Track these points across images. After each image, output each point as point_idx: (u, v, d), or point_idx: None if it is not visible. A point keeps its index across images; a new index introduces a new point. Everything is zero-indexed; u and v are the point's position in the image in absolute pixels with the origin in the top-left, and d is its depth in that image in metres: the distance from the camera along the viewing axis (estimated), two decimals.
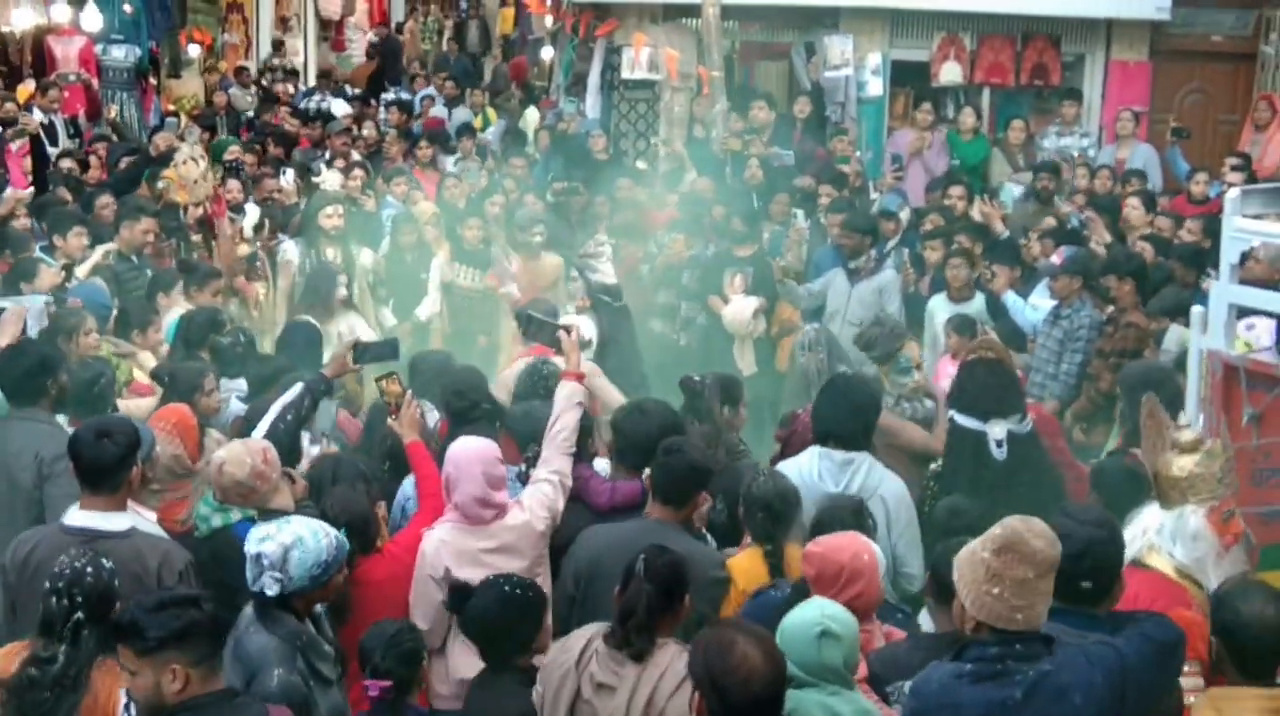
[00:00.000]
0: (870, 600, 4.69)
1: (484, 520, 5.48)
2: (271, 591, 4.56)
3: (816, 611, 4.16)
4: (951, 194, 11.54)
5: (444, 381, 6.57)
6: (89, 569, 4.41)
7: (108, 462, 4.97)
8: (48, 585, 4.42)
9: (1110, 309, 8.64)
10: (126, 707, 4.17)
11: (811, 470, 5.90)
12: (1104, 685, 3.86)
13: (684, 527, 5.42)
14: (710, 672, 3.72)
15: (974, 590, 3.90)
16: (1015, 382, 6.39)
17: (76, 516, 5.00)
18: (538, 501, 5.61)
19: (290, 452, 6.03)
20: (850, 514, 5.25)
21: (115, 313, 8.18)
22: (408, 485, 6.01)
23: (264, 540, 4.62)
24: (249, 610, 4.69)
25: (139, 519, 5.26)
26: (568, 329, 6.43)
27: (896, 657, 4.46)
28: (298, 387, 6.13)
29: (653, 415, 5.94)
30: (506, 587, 4.88)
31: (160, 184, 11.03)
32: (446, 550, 5.41)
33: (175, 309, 8.36)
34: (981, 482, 6.05)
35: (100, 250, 9.13)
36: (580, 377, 6.12)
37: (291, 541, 4.60)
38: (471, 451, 5.54)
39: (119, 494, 5.04)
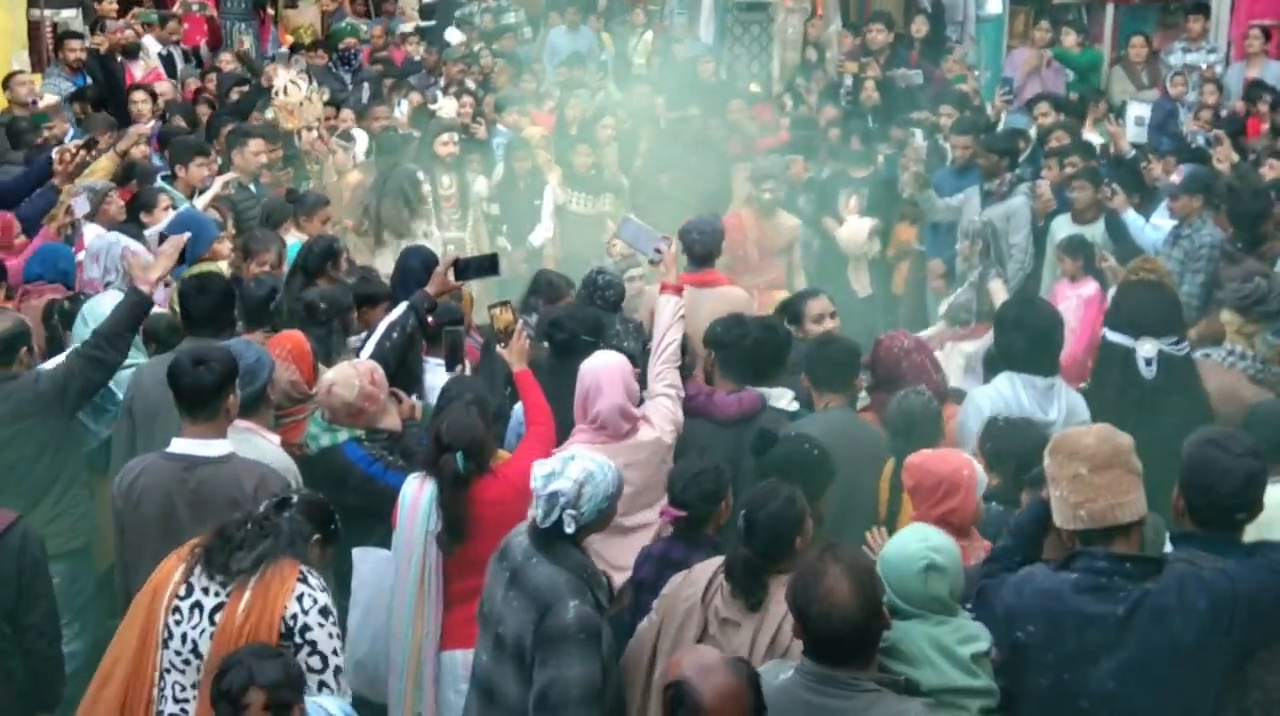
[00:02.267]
0: (965, 515, 4.75)
1: (621, 433, 5.55)
2: (570, 529, 4.57)
3: (921, 544, 4.09)
4: (1036, 112, 11.31)
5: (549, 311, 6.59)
6: (320, 495, 4.71)
7: (205, 389, 5.02)
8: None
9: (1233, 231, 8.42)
10: (300, 597, 4.29)
11: (1016, 397, 5.83)
12: (1208, 610, 3.82)
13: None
14: (797, 603, 3.70)
15: (1050, 495, 4.01)
16: (1174, 304, 6.25)
17: (177, 444, 5.08)
18: (662, 416, 5.68)
19: (403, 369, 6.13)
20: (1040, 438, 5.11)
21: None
22: (518, 410, 6.06)
23: (554, 477, 4.60)
24: (523, 541, 4.70)
25: (259, 444, 5.37)
26: (668, 239, 6.42)
27: (972, 579, 4.43)
28: (402, 306, 6.20)
29: (750, 326, 6.05)
30: (806, 446, 5.04)
31: (269, 113, 11.16)
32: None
33: (290, 237, 8.42)
34: (1127, 399, 5.95)
35: (219, 180, 9.22)
36: (679, 290, 6.12)
37: (583, 477, 4.60)
38: (612, 365, 5.63)
39: (217, 420, 5.08)
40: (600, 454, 5.32)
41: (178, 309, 6.45)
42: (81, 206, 8.13)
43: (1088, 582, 3.92)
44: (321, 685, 4.28)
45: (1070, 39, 13.56)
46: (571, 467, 4.61)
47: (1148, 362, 6.00)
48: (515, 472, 5.40)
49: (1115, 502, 3.91)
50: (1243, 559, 3.97)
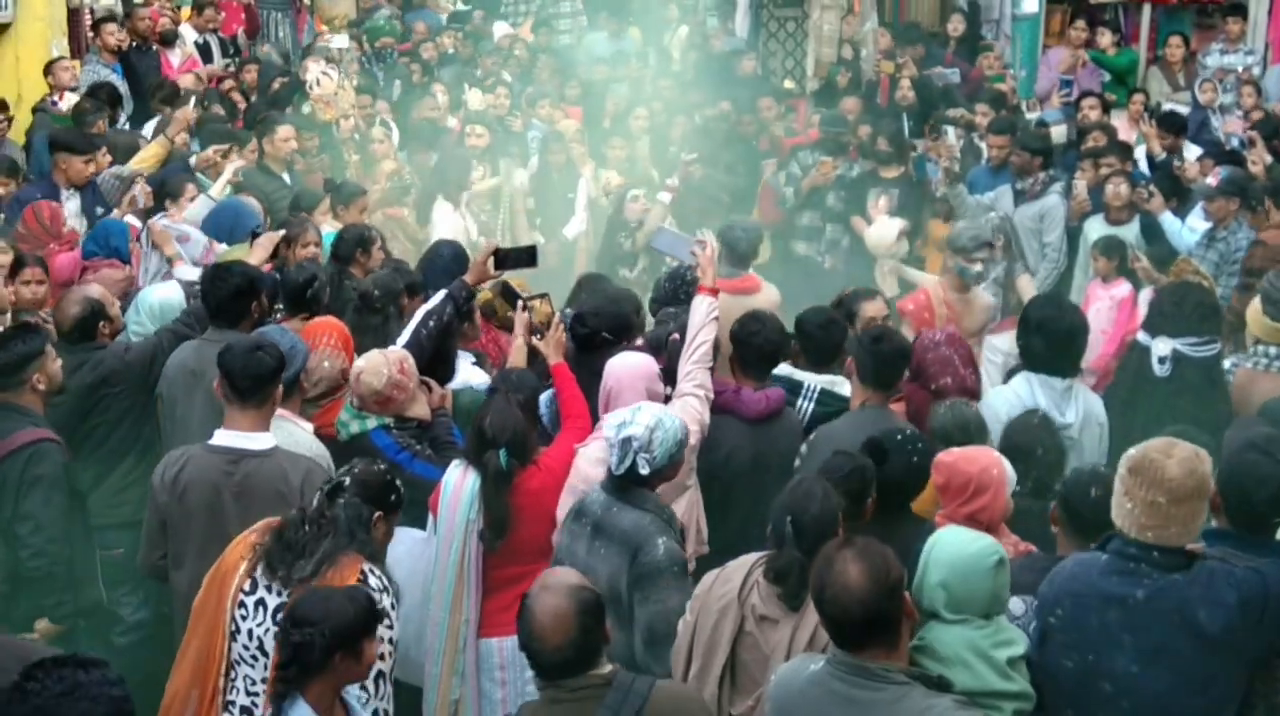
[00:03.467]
0: (995, 513, 4.78)
1: None
2: (644, 471, 4.86)
3: (978, 542, 4.09)
4: (1083, 105, 11.26)
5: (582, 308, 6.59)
6: (380, 465, 4.74)
7: (262, 374, 5.09)
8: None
9: None
10: None
11: (1033, 398, 5.86)
12: (1238, 606, 3.83)
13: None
14: (814, 589, 3.74)
15: (1116, 498, 3.98)
16: (1202, 307, 6.22)
17: (222, 436, 5.13)
18: (689, 416, 5.63)
19: (439, 358, 6.15)
20: (1044, 432, 5.33)
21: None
22: (544, 398, 6.05)
23: (626, 424, 4.90)
24: (598, 495, 5.01)
25: (292, 431, 5.43)
26: (702, 243, 6.45)
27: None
28: (440, 295, 6.22)
29: (769, 323, 6.13)
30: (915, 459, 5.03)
31: (305, 108, 11.22)
32: (602, 466, 5.39)
33: (325, 225, 8.45)
34: (1139, 396, 5.97)
35: (231, 167, 9.20)
36: (715, 292, 6.13)
37: (654, 423, 4.90)
38: (634, 366, 5.66)
39: (264, 409, 5.14)
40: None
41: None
42: (141, 198, 8.25)
43: (1115, 566, 3.98)
44: (360, 686, 4.32)
45: (1106, 39, 13.51)
46: (641, 415, 4.91)
47: (1161, 361, 6.00)
48: (556, 462, 5.49)
49: (1183, 531, 3.91)
50: (1277, 559, 3.96)
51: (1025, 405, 5.78)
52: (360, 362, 5.61)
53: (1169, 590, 3.87)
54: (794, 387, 6.17)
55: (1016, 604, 4.34)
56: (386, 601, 4.44)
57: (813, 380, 6.21)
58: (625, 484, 4.93)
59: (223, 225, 7.97)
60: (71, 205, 8.57)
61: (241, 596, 4.46)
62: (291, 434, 5.43)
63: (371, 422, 5.69)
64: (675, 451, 4.95)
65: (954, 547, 4.09)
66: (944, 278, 7.91)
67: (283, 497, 4.96)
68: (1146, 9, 14.64)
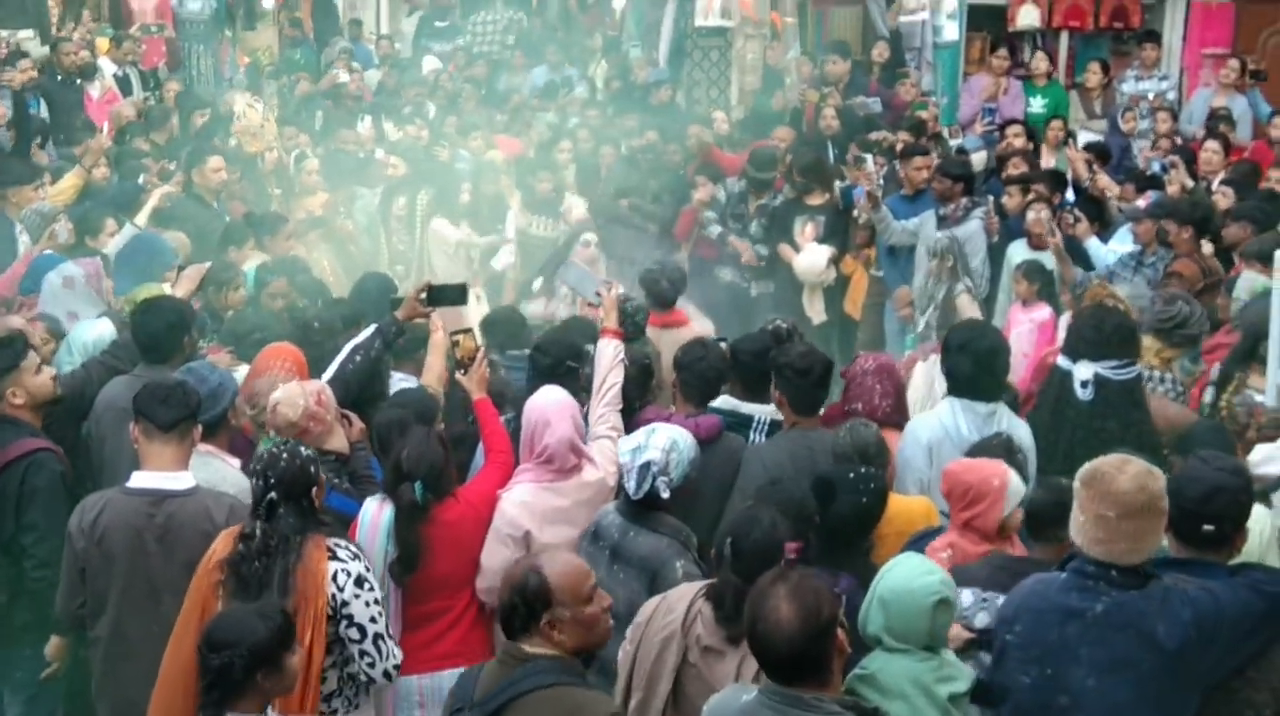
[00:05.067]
0: (987, 523, 4.90)
1: (567, 467, 5.52)
2: (665, 494, 4.98)
3: (930, 578, 4.13)
4: (1008, 133, 11.40)
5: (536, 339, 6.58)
6: (284, 455, 4.69)
7: (181, 414, 5.04)
8: (251, 468, 4.76)
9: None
10: (334, 577, 4.59)
11: (955, 424, 5.87)
12: (1192, 624, 3.88)
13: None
14: (746, 621, 3.74)
15: (1073, 510, 4.05)
16: (1121, 330, 6.28)
17: (140, 477, 5.05)
18: (607, 457, 5.65)
19: (367, 393, 6.12)
20: (1002, 451, 5.33)
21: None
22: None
23: (641, 450, 5.03)
24: (614, 518, 5.13)
25: (219, 467, 5.38)
26: (608, 284, 6.48)
27: (965, 570, 4.53)
28: (368, 330, 6.18)
29: (713, 350, 6.20)
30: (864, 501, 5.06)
31: (232, 140, 11.15)
32: (527, 511, 5.44)
33: (251, 260, 8.38)
34: (1063, 421, 6.01)
35: (157, 193, 9.12)
36: (619, 334, 6.19)
37: (669, 445, 5.03)
38: (561, 398, 5.63)
39: (184, 447, 5.08)
40: (543, 495, 5.47)
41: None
42: (62, 233, 8.13)
43: (1074, 583, 4.04)
44: (362, 654, 4.63)
45: (1042, 65, 13.68)
46: (655, 438, 5.05)
47: (1083, 385, 6.05)
48: (476, 496, 5.46)
49: (1133, 548, 3.95)
50: (1226, 579, 4.03)
51: (948, 430, 5.82)
52: (277, 394, 5.53)
53: (1127, 605, 3.93)
54: (744, 422, 6.17)
55: (967, 596, 4.47)
56: (360, 566, 4.65)
57: (760, 412, 6.20)
58: (641, 508, 5.05)
59: (138, 261, 7.85)
60: (26, 238, 8.53)
61: None
62: (218, 470, 5.37)
63: None
64: (689, 471, 5.08)
65: (900, 580, 4.13)
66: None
67: (208, 537, 4.89)
68: (1064, 36, 14.85)
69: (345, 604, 4.59)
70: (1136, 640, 3.90)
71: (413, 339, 6.60)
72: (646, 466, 4.96)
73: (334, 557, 4.60)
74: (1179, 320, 7.00)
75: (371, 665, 4.64)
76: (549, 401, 5.60)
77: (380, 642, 4.64)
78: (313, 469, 4.73)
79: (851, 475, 5.09)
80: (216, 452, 5.41)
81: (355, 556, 4.68)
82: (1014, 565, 4.65)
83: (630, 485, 5.02)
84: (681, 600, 4.50)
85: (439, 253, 10.52)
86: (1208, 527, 4.15)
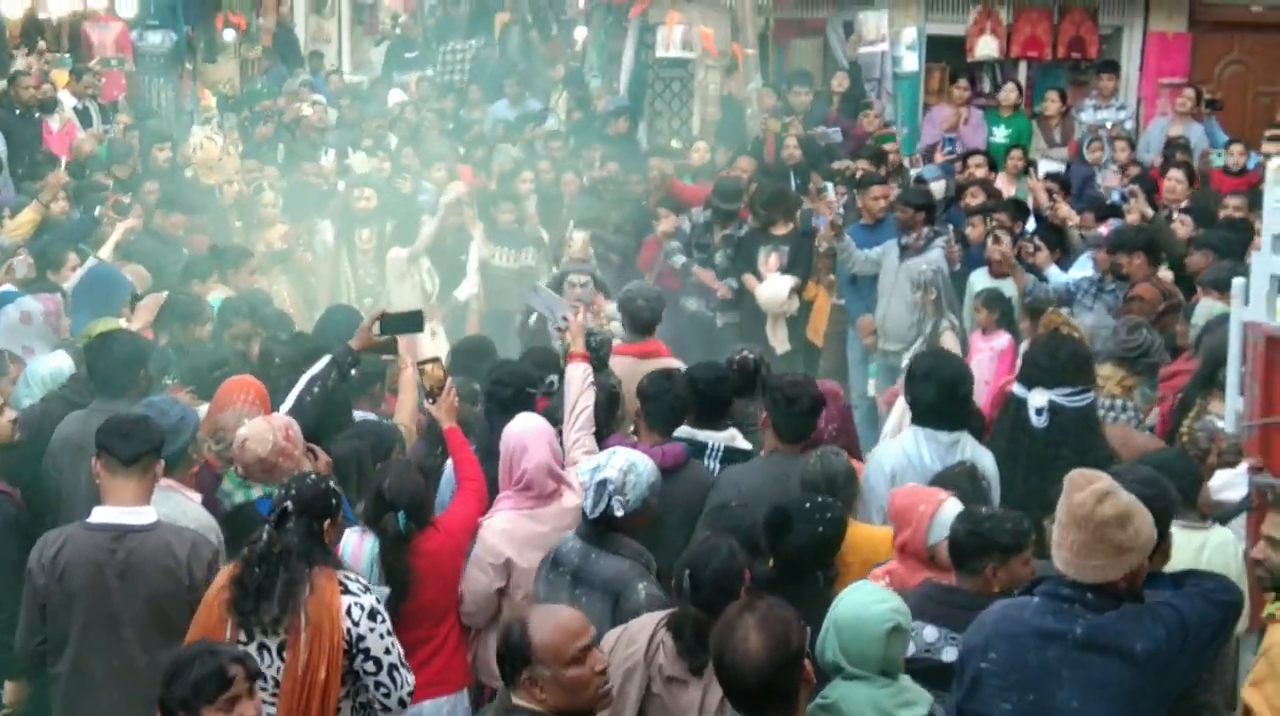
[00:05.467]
0: (916, 548, 4.99)
1: (546, 492, 5.55)
2: (619, 512, 4.97)
3: (883, 606, 4.14)
4: (970, 164, 11.46)
5: (490, 370, 6.57)
6: (311, 477, 4.80)
7: (142, 449, 4.97)
8: (280, 482, 4.79)
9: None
10: (349, 611, 4.56)
11: (918, 453, 5.90)
12: (1166, 639, 3.92)
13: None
14: (713, 652, 3.72)
15: (1054, 529, 4.06)
16: (1076, 357, 6.34)
17: (101, 513, 4.99)
18: (583, 482, 5.67)
19: (331, 425, 6.11)
20: (965, 479, 5.39)
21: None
22: (450, 471, 6.04)
23: (600, 468, 5.04)
24: (574, 544, 5.11)
25: (180, 502, 5.32)
26: (574, 309, 6.50)
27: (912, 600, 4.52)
28: (324, 360, 6.16)
29: (677, 379, 6.22)
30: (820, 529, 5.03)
31: (189, 172, 11.13)
32: (507, 538, 5.49)
33: (215, 293, 8.36)
34: (1019, 448, 6.08)
35: (120, 227, 9.11)
36: (587, 357, 6.25)
37: (627, 466, 5.03)
38: (538, 424, 5.67)
39: (145, 483, 5.01)
40: (522, 522, 5.50)
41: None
42: (21, 268, 8.07)
43: (1049, 606, 4.04)
44: (378, 685, 4.61)
45: (1011, 95, 13.78)
46: (615, 459, 5.07)
47: (1038, 412, 6.10)
48: (455, 524, 5.50)
49: (1077, 562, 3.97)
50: (1175, 590, 4.08)
51: (911, 460, 5.85)
52: (244, 430, 5.50)
53: (1106, 626, 3.94)
54: (699, 449, 6.19)
55: (931, 631, 4.51)
56: (371, 599, 4.63)
57: (715, 439, 6.23)
58: (601, 530, 5.03)
59: (95, 296, 7.79)
60: None
61: (241, 647, 4.43)
62: (179, 505, 5.30)
63: (256, 492, 5.58)
64: (647, 494, 5.05)
65: (853, 608, 4.15)
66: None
67: (170, 573, 4.86)
68: (1023, 66, 14.98)
69: (361, 638, 4.56)
70: (1117, 659, 3.92)
71: (367, 374, 6.59)
72: (603, 484, 4.97)
73: (346, 591, 4.58)
74: (1142, 349, 7.06)
75: (387, 695, 4.63)
76: (526, 427, 5.62)
77: (395, 672, 4.63)
78: (334, 501, 4.74)
79: (808, 505, 5.09)
80: (178, 487, 5.36)
81: (365, 589, 4.67)
82: (939, 594, 4.70)
83: (587, 503, 5.04)
84: (643, 630, 4.49)
85: (395, 283, 10.45)
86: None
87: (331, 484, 4.82)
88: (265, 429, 5.45)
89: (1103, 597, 3.97)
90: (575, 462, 5.80)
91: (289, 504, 4.61)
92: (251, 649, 4.47)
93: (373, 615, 4.59)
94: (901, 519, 5.07)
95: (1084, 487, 3.97)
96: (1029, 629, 4.04)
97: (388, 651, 4.61)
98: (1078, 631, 3.96)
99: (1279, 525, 4.58)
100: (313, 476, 4.82)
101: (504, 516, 5.55)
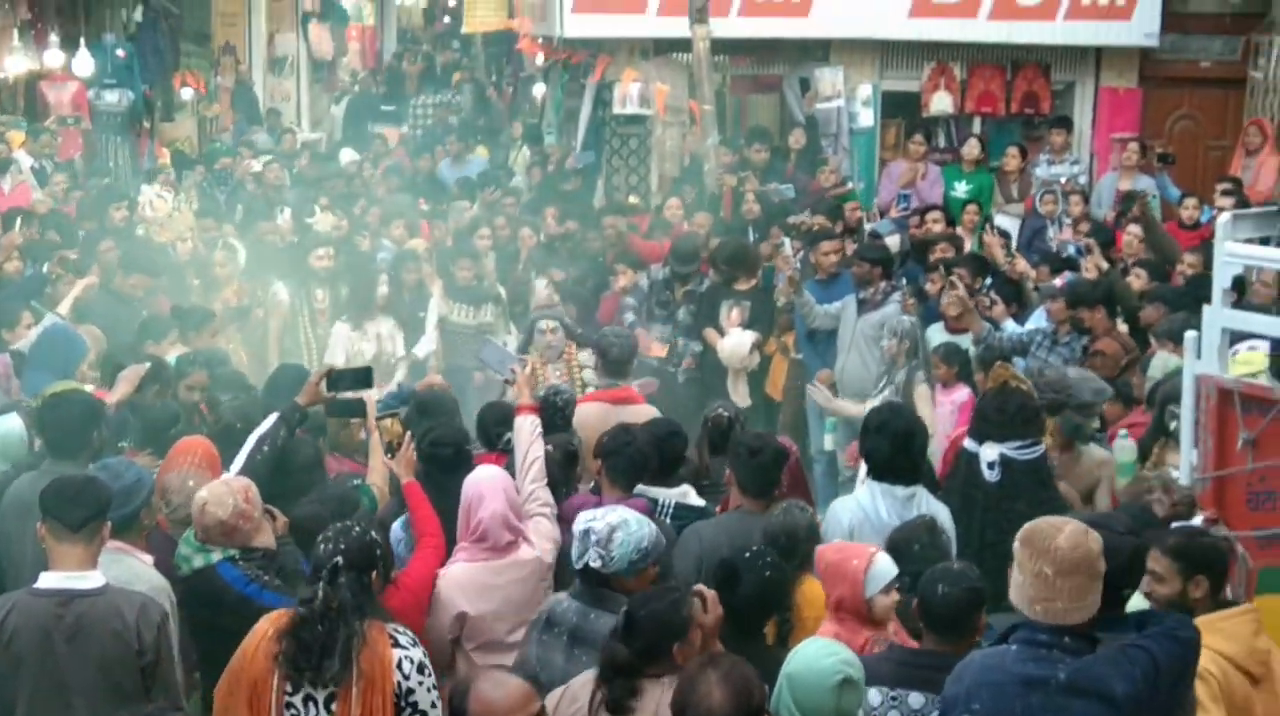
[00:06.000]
0: (855, 606, 4.95)
1: (501, 544, 5.56)
2: (595, 564, 4.87)
3: (833, 659, 4.15)
4: (928, 219, 11.55)
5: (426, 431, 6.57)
6: (356, 528, 4.81)
7: (88, 513, 4.89)
8: (319, 537, 4.78)
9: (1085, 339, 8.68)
10: (399, 665, 4.56)
11: (875, 508, 5.92)
12: (1142, 679, 3.96)
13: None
14: (675, 708, 3.73)
15: (1013, 574, 4.11)
16: (1024, 411, 6.38)
17: (48, 578, 4.90)
18: (541, 534, 5.74)
19: (295, 484, 6.10)
20: (925, 532, 5.37)
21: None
22: (397, 527, 6.01)
23: (592, 519, 4.95)
24: (570, 604, 5.00)
25: (131, 565, 5.26)
26: (523, 361, 6.50)
27: (866, 664, 4.47)
28: (272, 418, 6.13)
29: (640, 436, 6.22)
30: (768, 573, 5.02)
31: (140, 231, 11.11)
32: (460, 589, 5.52)
33: (173, 352, 8.31)
34: (973, 502, 6.11)
35: (80, 284, 9.09)
36: (535, 409, 6.25)
37: (618, 522, 4.92)
38: (496, 475, 5.70)
39: (93, 546, 4.94)
40: (477, 572, 5.51)
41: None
42: None
43: (1028, 653, 4.07)
44: None
45: (974, 151, 13.90)
46: (610, 515, 4.97)
47: (990, 466, 6.13)
48: (414, 581, 5.49)
49: (1072, 607, 4.02)
50: (1141, 633, 4.12)
51: (867, 514, 5.86)
52: (203, 493, 5.45)
53: (1086, 670, 3.98)
54: (650, 506, 6.16)
55: (874, 695, 4.46)
56: (419, 653, 4.65)
57: (665, 496, 6.22)
58: (597, 589, 4.94)
59: (52, 356, 7.75)
60: None
61: (287, 698, 4.52)
62: (130, 567, 5.24)
63: (216, 555, 5.52)
64: (636, 559, 4.91)
65: (805, 661, 4.16)
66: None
67: (119, 636, 4.79)
68: (977, 122, 15.13)
69: (410, 691, 4.56)
70: (1099, 701, 3.95)
71: (310, 428, 6.59)
72: (586, 534, 4.92)
73: (396, 645, 4.60)
74: (1057, 390, 7.13)
75: None
76: (482, 477, 5.66)
77: None
78: (378, 552, 4.79)
79: (748, 555, 5.08)
80: (129, 550, 5.29)
81: (414, 642, 4.69)
82: (917, 659, 4.64)
83: (574, 552, 4.99)
84: (585, 686, 4.46)
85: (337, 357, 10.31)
86: (1126, 592, 4.35)
87: (373, 533, 4.86)
88: (224, 492, 5.41)
89: (1079, 641, 4.03)
90: (532, 516, 5.79)
91: (339, 559, 4.62)
92: (297, 700, 4.52)
93: (421, 668, 4.62)
94: (834, 576, 5.03)
95: (1059, 532, 4.03)
96: (1012, 676, 4.06)
97: (434, 705, 4.62)
98: (1061, 676, 3.99)
99: (1159, 559, 4.66)
100: (357, 528, 4.83)
101: (459, 567, 5.57)
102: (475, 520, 5.57)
